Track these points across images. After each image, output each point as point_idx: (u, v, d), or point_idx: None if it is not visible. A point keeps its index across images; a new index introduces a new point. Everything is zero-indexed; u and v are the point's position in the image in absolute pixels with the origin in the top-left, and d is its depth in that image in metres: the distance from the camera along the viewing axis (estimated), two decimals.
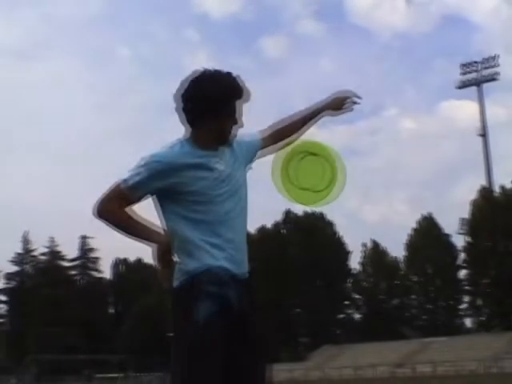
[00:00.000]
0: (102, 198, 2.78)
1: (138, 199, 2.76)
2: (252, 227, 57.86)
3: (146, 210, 2.86)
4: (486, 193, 63.18)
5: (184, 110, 2.81)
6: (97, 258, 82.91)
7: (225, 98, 2.77)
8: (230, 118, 2.81)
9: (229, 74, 2.82)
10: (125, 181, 2.72)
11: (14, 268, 79.84)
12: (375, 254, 70.05)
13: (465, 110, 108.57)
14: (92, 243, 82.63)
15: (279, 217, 71.16)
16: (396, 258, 69.87)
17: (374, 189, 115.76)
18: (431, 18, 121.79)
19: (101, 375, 63.71)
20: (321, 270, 65.01)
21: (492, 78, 76.73)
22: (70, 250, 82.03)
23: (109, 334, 72.57)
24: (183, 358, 2.68)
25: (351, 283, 70.91)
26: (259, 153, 3.09)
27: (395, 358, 52.39)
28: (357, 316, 71.65)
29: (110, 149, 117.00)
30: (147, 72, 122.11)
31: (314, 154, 3.21)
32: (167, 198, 2.77)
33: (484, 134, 75.50)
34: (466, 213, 63.98)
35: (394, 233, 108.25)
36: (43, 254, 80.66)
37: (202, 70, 2.82)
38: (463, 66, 78.48)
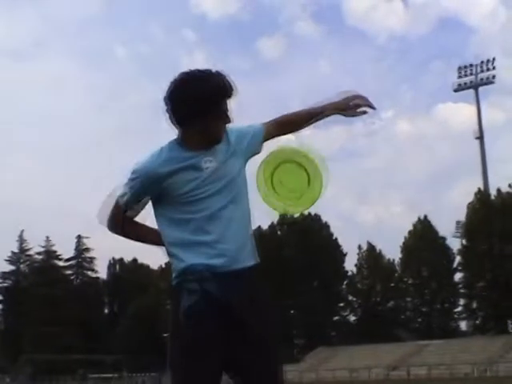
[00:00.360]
0: (108, 216, 2.90)
1: (141, 209, 2.86)
2: None
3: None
4: (482, 196, 63.25)
5: (172, 111, 2.75)
6: (92, 258, 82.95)
7: (214, 98, 2.71)
8: (220, 117, 2.75)
9: (217, 73, 2.76)
10: (119, 198, 2.82)
11: (10, 267, 79.96)
12: (371, 257, 70.05)
13: (461, 112, 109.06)
14: (88, 243, 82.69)
15: (275, 218, 71.24)
16: (392, 260, 69.93)
17: (370, 191, 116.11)
18: (428, 20, 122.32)
19: (95, 375, 63.69)
20: (316, 272, 65.00)
21: (489, 81, 76.93)
22: (65, 250, 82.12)
23: (104, 334, 72.47)
24: (170, 353, 2.73)
25: (347, 285, 70.88)
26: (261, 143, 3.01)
27: (390, 361, 52.44)
28: (352, 318, 71.66)
29: (108, 149, 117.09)
30: (145, 72, 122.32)
31: (290, 161, 3.13)
32: (159, 202, 2.80)
33: (480, 137, 75.72)
34: (461, 216, 64.11)
35: (390, 235, 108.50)
36: (39, 254, 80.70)
37: (188, 70, 2.76)
38: (460, 68, 78.71)
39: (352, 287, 70.69)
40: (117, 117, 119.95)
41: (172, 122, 2.78)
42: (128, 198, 2.79)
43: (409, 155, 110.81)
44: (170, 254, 2.78)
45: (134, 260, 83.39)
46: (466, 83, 77.87)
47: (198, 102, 2.69)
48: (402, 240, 68.04)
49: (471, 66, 77.65)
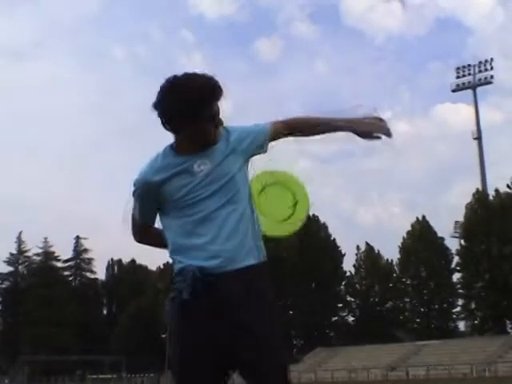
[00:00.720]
0: (130, 228, 3.00)
1: (154, 218, 2.91)
2: None
3: None
4: (480, 196, 63.24)
5: (160, 117, 2.74)
6: (91, 259, 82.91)
7: (199, 103, 2.67)
8: (208, 121, 2.72)
9: (203, 76, 2.72)
10: (133, 211, 2.93)
11: (8, 268, 79.86)
12: (369, 257, 70.04)
13: (460, 113, 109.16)
14: (86, 244, 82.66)
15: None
16: (390, 260, 69.93)
17: (369, 191, 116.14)
18: (426, 21, 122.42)
19: (94, 376, 63.67)
20: (315, 273, 65.01)
21: (487, 82, 76.96)
22: (63, 251, 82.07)
23: (102, 335, 72.44)
24: (168, 353, 2.87)
25: (345, 286, 70.87)
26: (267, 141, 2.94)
27: (389, 361, 52.44)
28: (350, 319, 71.65)
29: (106, 150, 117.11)
30: (143, 73, 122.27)
31: (274, 184, 3.12)
32: (161, 209, 2.84)
33: (479, 138, 75.72)
34: (460, 216, 64.08)
35: (388, 236, 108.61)
36: (37, 255, 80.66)
37: (173, 76, 2.72)
38: (458, 69, 78.74)
39: (350, 288, 70.68)
40: (115, 117, 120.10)
41: (164, 128, 2.78)
42: (137, 210, 2.88)
43: (407, 156, 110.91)
44: (171, 259, 2.82)
45: (133, 261, 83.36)
46: (463, 84, 77.91)
47: (182, 107, 2.67)
48: (401, 240, 68.07)
49: (469, 66, 77.70)
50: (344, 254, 70.84)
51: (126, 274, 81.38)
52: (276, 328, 2.73)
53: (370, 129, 2.93)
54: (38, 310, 70.42)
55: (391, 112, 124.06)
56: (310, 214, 70.17)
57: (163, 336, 65.01)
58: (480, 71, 76.70)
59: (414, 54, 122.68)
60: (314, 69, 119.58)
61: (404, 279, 68.26)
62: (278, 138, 2.94)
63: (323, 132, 2.96)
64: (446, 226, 67.24)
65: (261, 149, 2.91)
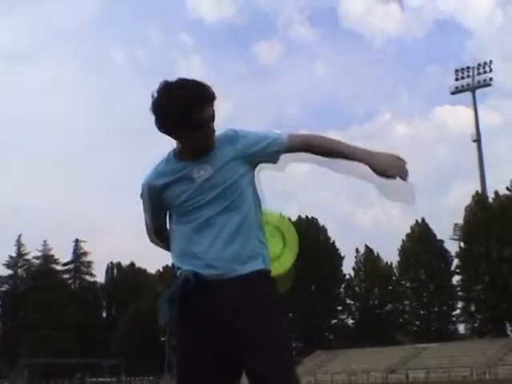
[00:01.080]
0: (147, 233, 3.05)
1: (164, 222, 2.95)
2: None
3: None
4: (479, 198, 63.21)
5: (155, 121, 2.74)
6: (90, 262, 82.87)
7: (186, 110, 2.64)
8: (204, 125, 2.70)
9: (195, 80, 2.71)
10: (145, 216, 2.97)
11: (8, 271, 79.81)
12: (368, 260, 69.98)
13: (459, 115, 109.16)
14: (85, 247, 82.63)
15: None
16: (389, 263, 69.88)
17: (368, 194, 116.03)
18: (425, 23, 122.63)
19: (93, 379, 63.62)
20: (314, 276, 64.89)
21: (486, 84, 77.03)
22: (63, 254, 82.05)
23: (102, 338, 72.40)
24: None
25: (344, 288, 70.82)
26: (282, 154, 2.85)
27: (388, 364, 52.38)
28: (350, 321, 71.59)
29: (105, 153, 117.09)
30: (142, 76, 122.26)
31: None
32: (169, 214, 2.89)
33: (478, 140, 75.75)
34: (459, 218, 64.05)
35: (388, 238, 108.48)
36: (36, 258, 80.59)
37: (165, 81, 2.71)
38: (457, 71, 78.83)
39: (349, 290, 70.64)
40: (115, 121, 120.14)
41: (161, 132, 2.78)
42: (145, 212, 2.93)
43: (406, 158, 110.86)
44: (173, 265, 2.84)
45: (132, 264, 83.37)
46: (463, 86, 77.98)
47: (173, 112, 2.66)
48: (400, 243, 68.04)
49: (468, 68, 77.79)
50: (343, 257, 70.84)
51: (125, 277, 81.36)
52: (278, 330, 2.68)
53: (388, 167, 2.81)
54: (37, 313, 70.35)
55: (390, 114, 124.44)
56: (309, 216, 70.39)
57: (162, 339, 65.01)
58: (479, 73, 76.78)
59: (413, 56, 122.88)
60: (313, 71, 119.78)
61: (403, 282, 68.20)
62: (292, 151, 2.85)
63: (340, 157, 2.83)
64: (446, 229, 67.19)
65: (270, 158, 2.84)
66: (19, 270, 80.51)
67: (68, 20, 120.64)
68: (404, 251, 67.06)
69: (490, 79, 76.69)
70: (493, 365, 45.72)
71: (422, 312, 67.24)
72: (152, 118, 2.74)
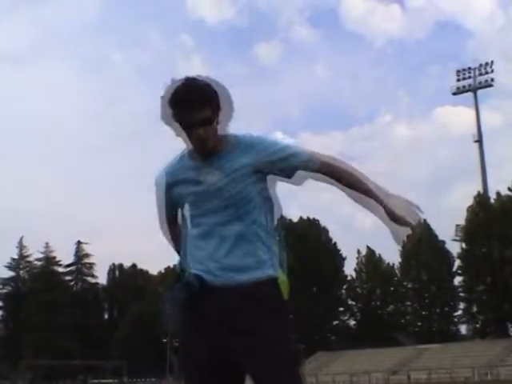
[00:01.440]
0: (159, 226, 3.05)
1: (174, 215, 2.95)
2: None
3: None
4: (481, 199, 63.18)
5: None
6: (92, 264, 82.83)
7: (178, 109, 2.68)
8: (192, 128, 2.69)
9: (198, 80, 2.70)
10: (158, 211, 2.98)
11: (9, 273, 79.76)
12: (370, 261, 69.96)
13: (460, 116, 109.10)
14: (87, 249, 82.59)
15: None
16: (391, 264, 69.84)
17: None
18: (426, 24, 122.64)
19: (95, 381, 63.60)
20: (316, 277, 64.92)
21: (487, 85, 77.01)
22: (65, 256, 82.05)
23: (103, 340, 72.37)
24: None
25: (346, 290, 70.79)
26: (303, 173, 2.80)
27: (390, 365, 52.34)
28: (352, 322, 71.57)
29: (106, 154, 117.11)
30: (143, 78, 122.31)
31: None
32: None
33: (479, 140, 75.72)
34: (461, 219, 64.01)
35: (389, 239, 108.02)
36: (38, 260, 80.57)
37: (173, 78, 2.74)
38: (458, 72, 78.81)
39: (351, 291, 70.61)
40: (115, 123, 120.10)
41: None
42: (157, 203, 2.93)
43: (408, 159, 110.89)
44: (179, 263, 2.85)
45: (134, 265, 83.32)
46: (464, 86, 77.96)
47: (170, 110, 2.70)
48: (402, 244, 67.91)
49: (469, 69, 77.77)
50: (345, 258, 70.83)
51: (127, 278, 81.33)
52: (280, 334, 2.66)
53: (402, 214, 2.79)
54: (39, 314, 70.35)
55: (391, 115, 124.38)
56: (311, 217, 70.34)
57: (164, 340, 64.99)
58: (480, 74, 76.77)
59: (414, 57, 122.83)
60: (313, 72, 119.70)
61: (405, 283, 68.15)
62: (311, 171, 2.79)
63: (359, 191, 2.82)
64: (447, 230, 67.10)
65: (286, 172, 2.78)
66: (21, 272, 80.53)
67: (68, 22, 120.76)
68: (406, 252, 67.01)
69: (492, 80, 76.69)
70: (494, 366, 45.65)
71: (423, 313, 67.19)
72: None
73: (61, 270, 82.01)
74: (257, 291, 2.66)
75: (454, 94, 79.66)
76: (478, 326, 62.64)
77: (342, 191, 2.85)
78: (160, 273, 77.75)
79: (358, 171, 2.83)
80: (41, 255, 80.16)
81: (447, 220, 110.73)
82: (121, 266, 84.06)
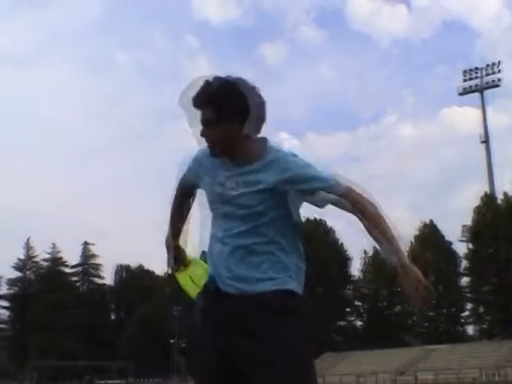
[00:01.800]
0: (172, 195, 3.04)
1: (191, 187, 2.90)
2: None
3: None
4: (488, 199, 63.06)
5: None
6: (98, 265, 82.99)
7: (194, 106, 2.68)
8: (203, 126, 2.69)
9: (213, 80, 2.68)
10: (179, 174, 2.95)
11: (16, 274, 79.98)
12: (376, 261, 69.84)
13: (467, 116, 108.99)
14: (93, 249, 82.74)
15: None
16: None
17: (375, 195, 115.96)
18: (432, 24, 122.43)
19: (102, 381, 63.72)
20: (322, 277, 64.87)
21: (494, 85, 76.87)
22: (71, 257, 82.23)
23: (110, 340, 72.47)
24: None
25: (352, 290, 70.73)
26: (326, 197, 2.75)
27: (397, 366, 52.26)
28: (358, 323, 71.50)
29: (110, 155, 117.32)
30: (147, 78, 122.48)
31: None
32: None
33: (486, 141, 75.61)
34: (468, 219, 63.90)
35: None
36: (45, 260, 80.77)
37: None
38: (465, 72, 78.69)
39: (357, 292, 70.55)
40: (119, 123, 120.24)
41: None
42: (184, 174, 2.89)
43: (414, 159, 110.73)
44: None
45: (140, 266, 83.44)
46: (471, 86, 77.85)
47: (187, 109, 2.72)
48: (408, 245, 67.87)
49: (476, 69, 77.66)
50: (351, 258, 70.77)
51: (133, 279, 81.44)
52: (286, 345, 2.64)
53: (408, 290, 2.73)
54: (46, 315, 70.53)
55: (397, 115, 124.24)
56: (317, 217, 70.26)
57: (171, 341, 65.04)
58: (487, 74, 76.63)
59: (420, 57, 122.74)
60: (319, 73, 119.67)
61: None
62: (340, 208, 2.77)
63: (379, 246, 2.78)
64: (454, 230, 67.00)
65: (317, 203, 2.79)
66: (28, 273, 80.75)
67: (71, 23, 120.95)
68: (412, 253, 66.91)
69: (499, 80, 76.54)
70: (502, 366, 45.53)
71: (430, 313, 67.03)
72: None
73: (67, 270, 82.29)
74: (267, 300, 2.64)
75: (461, 94, 79.58)
76: (485, 326, 62.50)
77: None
78: (166, 273, 77.81)
79: (385, 226, 2.73)
80: (47, 256, 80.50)
81: (454, 220, 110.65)
82: (127, 266, 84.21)
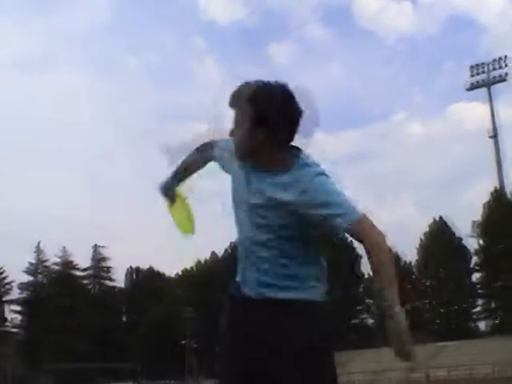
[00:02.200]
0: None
1: (209, 157, 2.99)
2: None
3: None
4: (498, 195, 62.91)
5: None
6: (109, 267, 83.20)
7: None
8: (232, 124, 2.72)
9: (245, 84, 2.68)
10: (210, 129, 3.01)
11: (28, 278, 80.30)
12: None
13: (475, 111, 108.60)
14: (104, 252, 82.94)
15: None
16: (408, 262, 69.59)
17: (385, 192, 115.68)
18: (438, 19, 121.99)
19: None
20: (332, 275, 64.71)
21: (501, 79, 76.58)
22: (82, 260, 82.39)
23: (122, 343, 72.69)
24: None
25: (363, 288, 70.66)
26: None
27: (409, 363, 52.11)
28: (370, 321, 71.42)
29: (120, 157, 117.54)
30: (156, 80, 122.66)
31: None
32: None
33: (495, 136, 75.32)
34: (478, 215, 63.72)
35: (406, 237, 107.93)
36: (56, 264, 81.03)
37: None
38: (472, 67, 78.42)
39: (369, 290, 70.46)
40: (128, 125, 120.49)
41: None
42: (215, 141, 2.94)
43: (423, 156, 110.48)
44: None
45: (151, 268, 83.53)
46: (478, 82, 77.59)
47: None
48: (418, 241, 67.78)
49: (483, 64, 77.38)
50: (362, 256, 70.63)
51: (144, 281, 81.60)
52: (308, 345, 2.63)
53: (392, 347, 2.71)
54: (58, 318, 70.81)
55: (405, 113, 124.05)
56: None
57: (183, 342, 65.18)
58: (494, 69, 76.37)
59: (427, 53, 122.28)
60: (327, 71, 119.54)
61: (423, 280, 67.96)
62: (352, 237, 2.65)
63: (377, 282, 2.64)
64: (464, 226, 66.85)
65: (328, 231, 2.74)
66: (39, 277, 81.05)
67: (80, 26, 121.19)
68: (423, 249, 66.84)
69: (506, 74, 76.25)
70: None
71: (441, 310, 66.97)
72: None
73: (78, 273, 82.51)
74: (288, 310, 2.61)
75: (468, 89, 79.31)
76: (496, 322, 62.33)
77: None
78: (177, 275, 78.01)
79: (390, 280, 2.61)
80: (58, 259, 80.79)
81: (464, 216, 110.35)
82: (138, 268, 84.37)
